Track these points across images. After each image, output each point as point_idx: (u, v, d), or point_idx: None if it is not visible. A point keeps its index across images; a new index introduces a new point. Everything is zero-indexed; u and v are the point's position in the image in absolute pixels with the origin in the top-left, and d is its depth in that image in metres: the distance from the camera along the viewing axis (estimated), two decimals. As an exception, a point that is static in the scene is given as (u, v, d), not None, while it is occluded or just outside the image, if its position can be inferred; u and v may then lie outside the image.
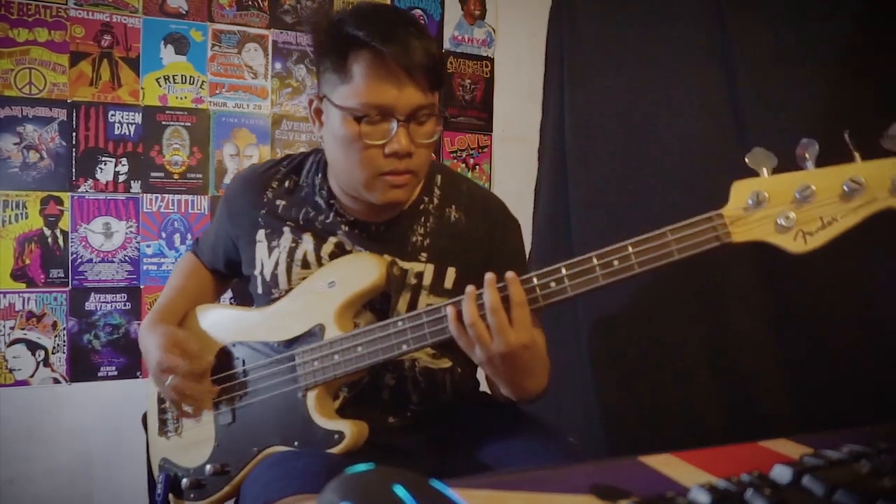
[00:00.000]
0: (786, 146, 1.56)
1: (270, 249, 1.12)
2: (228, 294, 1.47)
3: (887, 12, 1.38)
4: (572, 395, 1.96)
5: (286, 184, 1.14)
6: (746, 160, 0.80)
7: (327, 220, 1.10)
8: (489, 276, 0.89)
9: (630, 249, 0.84)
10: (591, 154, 1.96)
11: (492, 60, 2.18)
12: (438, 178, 1.15)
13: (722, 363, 1.67)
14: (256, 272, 1.14)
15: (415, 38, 0.95)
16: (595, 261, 0.86)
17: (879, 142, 0.73)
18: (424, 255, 1.09)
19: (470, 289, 0.90)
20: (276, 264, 1.11)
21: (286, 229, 1.11)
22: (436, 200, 1.13)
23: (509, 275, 0.89)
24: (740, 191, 0.80)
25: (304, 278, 1.09)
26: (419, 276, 1.08)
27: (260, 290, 1.14)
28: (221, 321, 1.17)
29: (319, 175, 1.13)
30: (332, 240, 1.10)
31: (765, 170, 0.79)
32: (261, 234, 1.13)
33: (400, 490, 0.48)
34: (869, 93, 1.39)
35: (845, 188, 0.75)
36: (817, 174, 0.77)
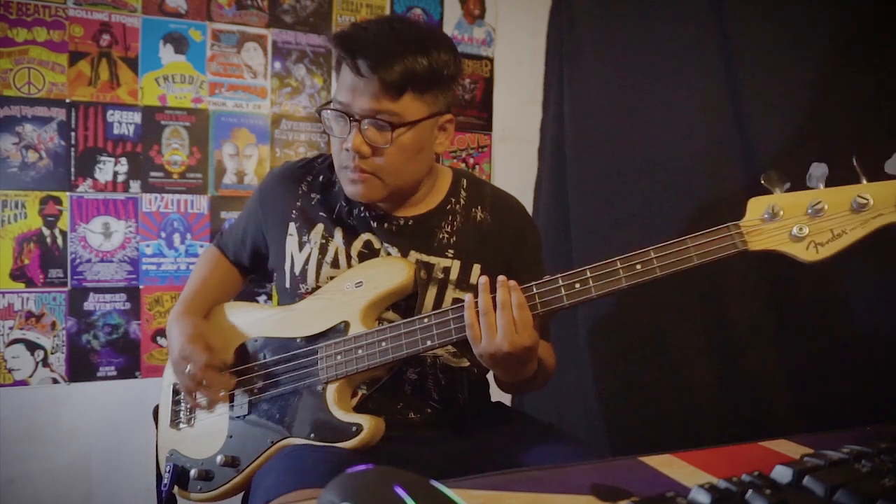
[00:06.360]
0: (785, 146, 1.55)
1: (301, 244, 1.15)
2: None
3: (886, 9, 1.38)
4: (572, 395, 1.96)
5: (320, 178, 1.19)
6: (762, 180, 0.86)
7: (360, 215, 1.14)
8: (501, 277, 0.95)
9: (652, 254, 0.90)
10: (590, 153, 1.96)
11: (491, 60, 2.18)
12: (464, 181, 1.21)
13: (722, 364, 1.67)
14: (286, 266, 1.16)
15: (392, 53, 0.99)
16: (618, 264, 0.91)
17: (883, 167, 0.80)
18: (451, 251, 1.13)
19: (484, 279, 0.95)
20: (307, 260, 1.14)
21: (319, 223, 1.15)
22: (462, 202, 1.18)
23: (512, 281, 0.95)
24: (756, 205, 0.87)
25: (331, 277, 1.11)
26: (446, 270, 1.11)
27: (287, 285, 1.16)
28: (246, 318, 1.19)
29: None
30: (363, 237, 1.13)
31: (778, 189, 0.85)
32: (292, 227, 1.16)
33: (400, 490, 0.48)
34: (869, 91, 1.39)
35: (854, 204, 0.81)
36: (828, 192, 0.83)
